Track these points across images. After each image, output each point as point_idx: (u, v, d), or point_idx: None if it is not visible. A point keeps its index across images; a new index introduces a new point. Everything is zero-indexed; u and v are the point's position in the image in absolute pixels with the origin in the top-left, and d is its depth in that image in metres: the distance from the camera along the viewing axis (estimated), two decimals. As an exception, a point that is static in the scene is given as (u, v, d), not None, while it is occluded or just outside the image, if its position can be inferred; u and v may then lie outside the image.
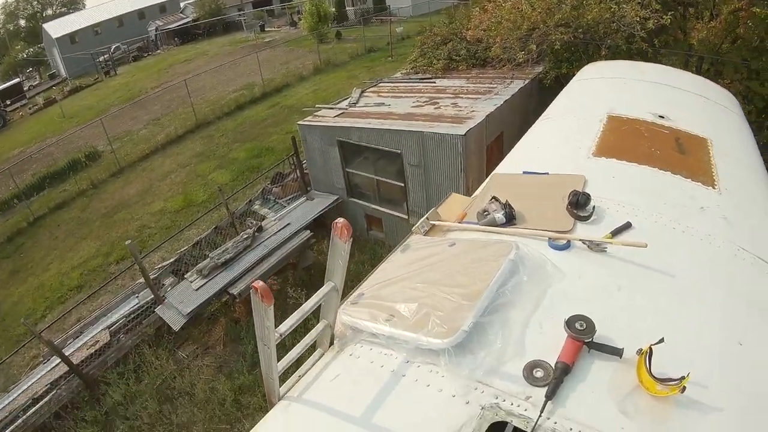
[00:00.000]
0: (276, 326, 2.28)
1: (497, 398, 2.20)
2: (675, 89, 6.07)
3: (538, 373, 2.27)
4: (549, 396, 2.14)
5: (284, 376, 2.62)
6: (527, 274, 2.77)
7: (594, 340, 2.33)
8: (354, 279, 9.29)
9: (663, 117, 5.01)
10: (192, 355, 8.51)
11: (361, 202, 10.56)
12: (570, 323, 2.35)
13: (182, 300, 8.51)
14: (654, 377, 2.13)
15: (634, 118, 5.02)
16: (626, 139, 4.63)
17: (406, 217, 9.60)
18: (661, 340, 2.19)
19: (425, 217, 3.83)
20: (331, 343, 2.84)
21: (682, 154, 4.48)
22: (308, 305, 2.40)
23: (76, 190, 17.12)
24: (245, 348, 8.26)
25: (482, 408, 2.17)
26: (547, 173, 4.09)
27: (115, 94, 29.05)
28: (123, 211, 15.05)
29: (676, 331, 2.42)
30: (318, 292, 2.44)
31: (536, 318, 2.55)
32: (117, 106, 24.34)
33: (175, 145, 19.23)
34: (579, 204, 3.41)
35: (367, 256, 10.08)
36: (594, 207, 3.40)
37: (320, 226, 10.80)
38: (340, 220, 2.17)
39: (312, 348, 2.86)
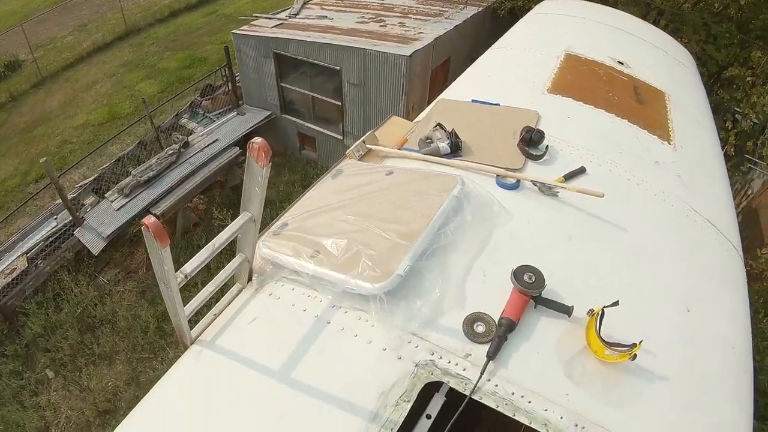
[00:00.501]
0: (187, 260, 1.83)
1: (433, 354, 1.93)
2: (635, 38, 5.83)
3: (480, 328, 2.01)
4: (491, 355, 1.90)
5: (198, 314, 2.22)
6: (472, 213, 2.47)
7: (543, 295, 2.09)
8: (284, 200, 8.72)
9: (622, 63, 4.76)
10: (113, 280, 7.84)
11: (294, 119, 9.87)
12: (518, 275, 2.09)
13: (102, 221, 7.68)
14: (603, 341, 1.95)
15: (592, 59, 4.73)
16: (584, 80, 4.34)
17: (341, 137, 9.10)
18: (616, 303, 1.98)
19: (361, 140, 3.38)
20: (250, 279, 2.42)
21: (639, 104, 4.27)
22: (219, 240, 1.94)
23: None
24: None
25: (416, 365, 1.90)
26: (498, 104, 3.73)
27: (41, -3, 25.11)
28: (44, 126, 13.55)
29: (625, 292, 2.24)
30: (232, 223, 1.98)
31: (479, 264, 2.27)
32: (42, 10, 21.21)
33: (102, 53, 17.38)
34: (531, 141, 3.11)
35: (298, 176, 9.58)
36: (547, 147, 3.12)
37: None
38: (258, 140, 1.68)
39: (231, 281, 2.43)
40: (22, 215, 9.58)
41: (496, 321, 2.02)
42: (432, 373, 1.88)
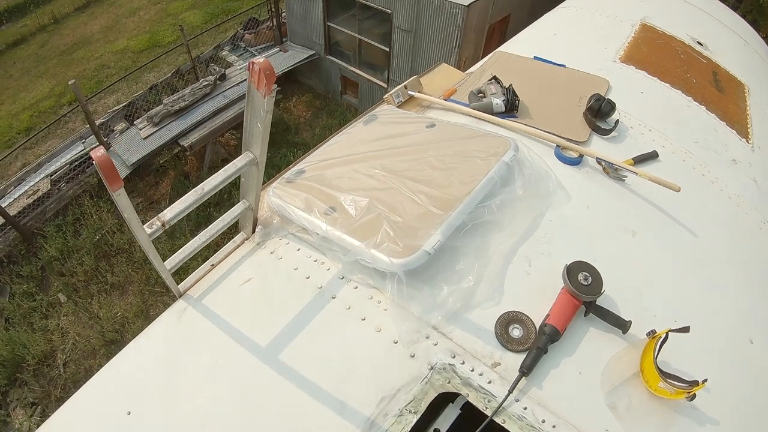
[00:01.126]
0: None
1: (454, 357, 1.56)
2: (716, 20, 5.10)
3: (516, 332, 1.62)
4: (525, 370, 1.52)
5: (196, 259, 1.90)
6: (523, 186, 2.03)
7: (597, 303, 1.68)
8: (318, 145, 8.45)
9: (702, 45, 4.12)
10: (136, 209, 7.58)
11: (338, 61, 9.27)
12: (572, 273, 1.68)
13: (128, 149, 7.40)
14: (660, 371, 1.54)
15: (670, 34, 4.10)
16: (659, 54, 3.74)
17: (385, 85, 8.53)
18: (686, 330, 1.56)
19: (403, 84, 2.94)
20: (255, 230, 2.07)
21: (719, 91, 3.68)
22: (209, 184, 1.56)
23: (36, 26, 14.91)
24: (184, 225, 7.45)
25: (431, 368, 1.53)
26: (564, 66, 3.21)
27: None
28: (83, 49, 13.28)
29: (688, 311, 1.84)
30: (227, 165, 1.61)
31: (525, 251, 1.86)
32: None
33: None
34: (600, 112, 2.61)
35: (337, 121, 9.05)
36: (617, 121, 2.62)
37: (291, 81, 9.64)
38: (260, 60, 1.27)
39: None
40: (54, 137, 9.48)
41: (537, 326, 1.63)
42: (449, 381, 1.51)
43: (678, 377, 1.55)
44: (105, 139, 7.52)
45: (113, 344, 5.84)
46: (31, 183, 7.57)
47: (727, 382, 1.69)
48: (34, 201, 7.26)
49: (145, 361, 1.71)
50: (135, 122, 7.86)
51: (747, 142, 3.13)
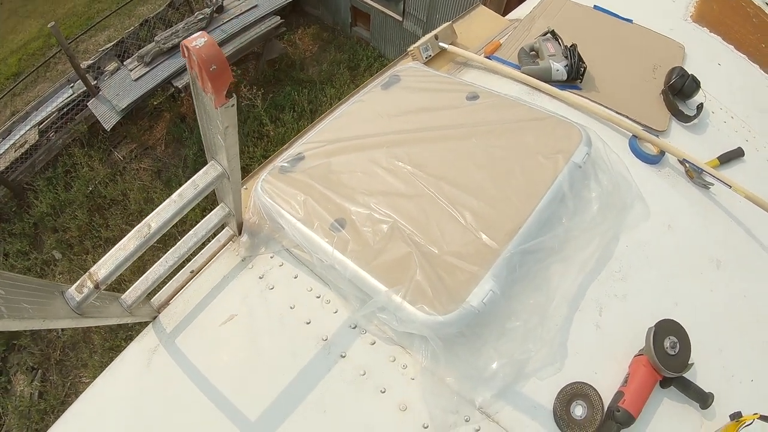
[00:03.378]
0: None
1: (501, 451, 1.17)
2: None
3: (579, 410, 1.23)
4: (594, 472, 1.14)
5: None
6: (599, 197, 1.57)
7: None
8: (326, 82, 7.57)
9: None
10: (129, 156, 7.12)
11: (344, -9, 8.44)
12: (657, 337, 1.27)
13: (118, 92, 6.72)
14: None
15: (742, -7, 3.41)
16: (732, 16, 3.08)
17: (401, 18, 7.70)
18: None
19: (433, 33, 2.37)
20: (241, 231, 1.64)
21: None
22: (159, 219, 1.09)
23: None
24: (188, 150, 6.93)
25: (471, 467, 1.15)
26: (632, 21, 2.63)
27: None
28: None
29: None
30: (185, 186, 1.13)
31: (595, 293, 1.43)
32: None
33: None
34: (683, 92, 2.09)
35: (346, 55, 8.31)
36: (701, 105, 2.10)
37: (297, 12, 8.77)
38: (198, 43, 0.76)
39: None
40: (43, 80, 8.82)
41: (605, 404, 1.23)
42: (494, 486, 1.14)
43: None
44: (94, 83, 6.90)
45: (110, 302, 5.59)
46: (20, 134, 7.05)
47: None
48: (23, 154, 6.76)
49: (105, 417, 1.33)
50: (125, 63, 7.20)
51: None
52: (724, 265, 1.64)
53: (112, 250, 1.03)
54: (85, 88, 6.95)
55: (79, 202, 6.42)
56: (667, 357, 1.25)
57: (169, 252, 1.44)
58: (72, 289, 0.98)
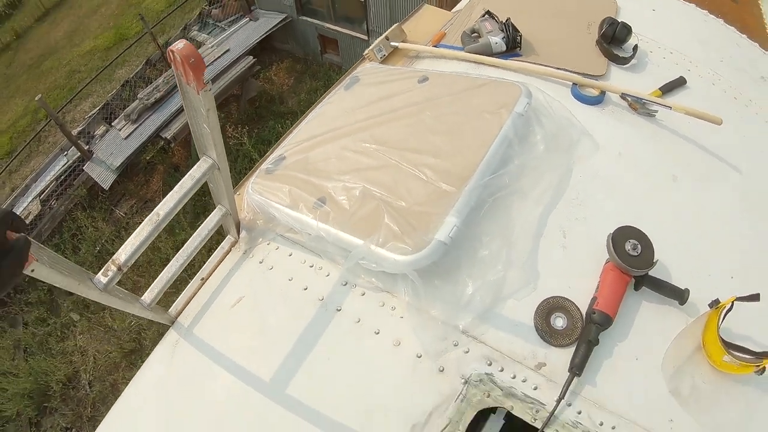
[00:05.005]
0: None
1: (491, 365, 1.30)
2: None
3: (559, 322, 1.36)
4: (577, 370, 1.26)
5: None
6: (545, 140, 1.71)
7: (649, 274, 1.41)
8: (306, 110, 8.07)
9: None
10: (130, 212, 7.39)
11: (313, 20, 8.79)
12: (617, 242, 1.40)
13: (111, 152, 7.10)
14: (724, 342, 1.29)
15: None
16: None
17: (366, 37, 8.10)
18: (755, 298, 1.27)
19: (384, 36, 2.57)
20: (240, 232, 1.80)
21: (733, 1, 3.26)
22: (165, 207, 1.24)
23: (0, 45, 14.40)
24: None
25: (466, 382, 1.28)
26: (565, -12, 2.81)
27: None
28: (50, 59, 12.88)
29: (754, 267, 1.55)
30: (184, 178, 1.30)
31: (557, 219, 1.57)
32: None
33: None
34: (616, 38, 2.25)
35: (321, 82, 8.69)
36: (636, 47, 2.26)
37: (267, 50, 9.27)
38: (178, 46, 0.96)
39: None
40: (36, 154, 9.19)
41: (584, 312, 1.36)
42: (488, 395, 1.26)
43: (745, 348, 1.30)
44: (86, 147, 7.20)
45: (133, 354, 5.73)
46: (23, 207, 7.31)
47: None
48: (29, 225, 7.04)
49: (140, 415, 1.48)
50: (113, 123, 7.51)
51: None
52: (681, 178, 1.78)
53: (130, 238, 1.19)
54: (78, 153, 7.22)
55: (89, 263, 6.66)
56: (630, 258, 1.37)
57: (178, 253, 1.59)
58: (99, 275, 1.14)
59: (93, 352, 5.91)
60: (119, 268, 1.17)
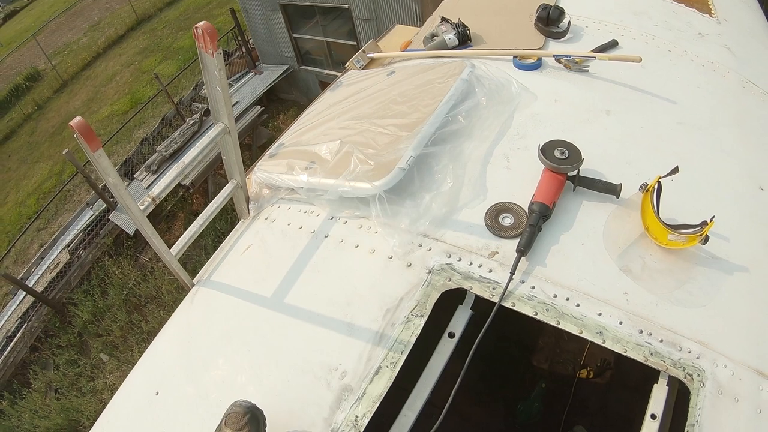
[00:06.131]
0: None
1: (450, 257, 1.58)
2: None
3: (507, 220, 1.64)
4: (523, 249, 1.53)
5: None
6: (487, 96, 2.05)
7: (581, 174, 1.69)
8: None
9: None
10: (154, 257, 7.83)
11: (313, 68, 9.54)
12: (546, 151, 1.70)
13: (135, 200, 7.62)
14: (665, 224, 1.54)
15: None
16: None
17: (361, 75, 8.74)
18: (675, 171, 1.57)
19: (362, 49, 3.00)
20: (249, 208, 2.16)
21: None
22: (189, 156, 1.65)
23: (22, 116, 15.60)
24: (206, 240, 7.61)
25: (429, 272, 1.56)
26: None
27: (52, 8, 25.50)
28: None
29: (684, 168, 1.81)
30: (203, 138, 1.69)
31: (501, 150, 1.88)
32: (54, 20, 21.59)
33: (118, 46, 17.63)
34: (550, 19, 2.61)
35: (325, 123, 9.26)
36: (569, 23, 2.62)
37: (273, 101, 9.97)
38: (201, 24, 1.39)
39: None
40: (63, 212, 9.76)
41: (526, 210, 1.65)
42: (450, 279, 1.53)
43: (684, 225, 1.55)
44: (111, 199, 7.73)
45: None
46: (51, 258, 7.79)
47: (740, 227, 1.67)
48: (58, 274, 7.49)
49: (167, 347, 1.79)
50: (135, 175, 8.08)
51: (710, 16, 3.10)
52: (615, 112, 2.08)
53: (162, 179, 1.54)
54: (104, 206, 7.73)
55: (118, 306, 7.00)
56: (560, 160, 1.66)
57: (197, 218, 1.94)
58: (138, 203, 1.48)
59: (124, 390, 6.14)
60: (153, 200, 1.51)
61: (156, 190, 1.56)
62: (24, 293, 7.40)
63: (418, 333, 1.45)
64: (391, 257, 1.60)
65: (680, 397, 1.46)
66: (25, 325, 7.28)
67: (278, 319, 1.60)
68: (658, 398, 1.47)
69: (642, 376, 1.65)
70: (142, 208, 1.51)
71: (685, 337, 1.41)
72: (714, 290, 1.51)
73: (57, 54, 18.80)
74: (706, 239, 1.48)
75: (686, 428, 1.31)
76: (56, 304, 7.37)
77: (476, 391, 3.14)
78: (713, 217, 1.46)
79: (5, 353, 7.04)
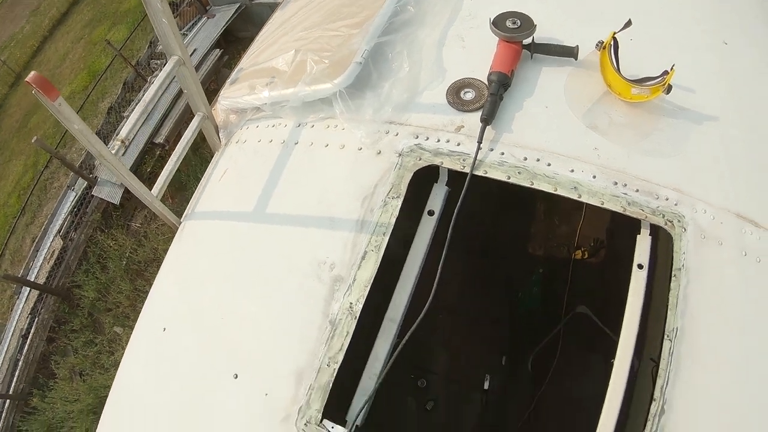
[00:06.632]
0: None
1: (417, 137, 1.61)
2: None
3: (468, 95, 1.66)
4: (486, 118, 1.56)
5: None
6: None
7: (536, 42, 1.69)
8: None
9: None
10: (145, 222, 7.82)
11: (265, 0, 9.08)
12: (498, 23, 1.69)
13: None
14: (627, 79, 1.56)
15: None
16: None
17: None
18: (628, 24, 1.58)
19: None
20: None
21: None
22: (149, 94, 1.64)
23: None
24: (191, 192, 7.55)
25: (399, 155, 1.59)
26: None
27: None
28: (35, 115, 13.16)
29: (642, 24, 1.81)
30: (159, 73, 1.67)
31: (454, 32, 1.87)
32: None
33: (63, 25, 16.55)
34: None
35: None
36: None
37: (232, 41, 9.58)
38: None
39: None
40: (47, 201, 9.62)
41: (486, 83, 1.66)
42: (420, 158, 1.57)
43: (646, 78, 1.56)
44: (91, 175, 7.64)
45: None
46: (46, 248, 7.79)
47: (704, 78, 1.68)
48: (56, 261, 7.49)
49: (164, 286, 1.88)
50: (108, 145, 7.97)
51: None
52: None
53: (128, 120, 1.56)
54: (85, 183, 7.68)
55: (120, 276, 7.06)
56: (512, 29, 1.65)
57: (171, 155, 1.97)
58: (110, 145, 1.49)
59: (144, 356, 6.36)
60: (122, 142, 1.52)
61: (123, 132, 1.56)
62: (28, 289, 7.43)
63: (397, 213, 1.50)
64: (361, 148, 1.64)
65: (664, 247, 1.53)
66: (37, 319, 7.35)
67: (263, 232, 1.66)
68: (642, 247, 1.55)
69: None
70: (113, 152, 1.51)
71: (661, 185, 1.46)
72: (685, 139, 1.55)
73: (4, 49, 17.92)
74: (669, 89, 1.51)
75: (672, 272, 1.37)
76: (61, 291, 7.44)
77: (473, 285, 3.24)
78: (673, 65, 1.48)
79: (24, 352, 7.17)
